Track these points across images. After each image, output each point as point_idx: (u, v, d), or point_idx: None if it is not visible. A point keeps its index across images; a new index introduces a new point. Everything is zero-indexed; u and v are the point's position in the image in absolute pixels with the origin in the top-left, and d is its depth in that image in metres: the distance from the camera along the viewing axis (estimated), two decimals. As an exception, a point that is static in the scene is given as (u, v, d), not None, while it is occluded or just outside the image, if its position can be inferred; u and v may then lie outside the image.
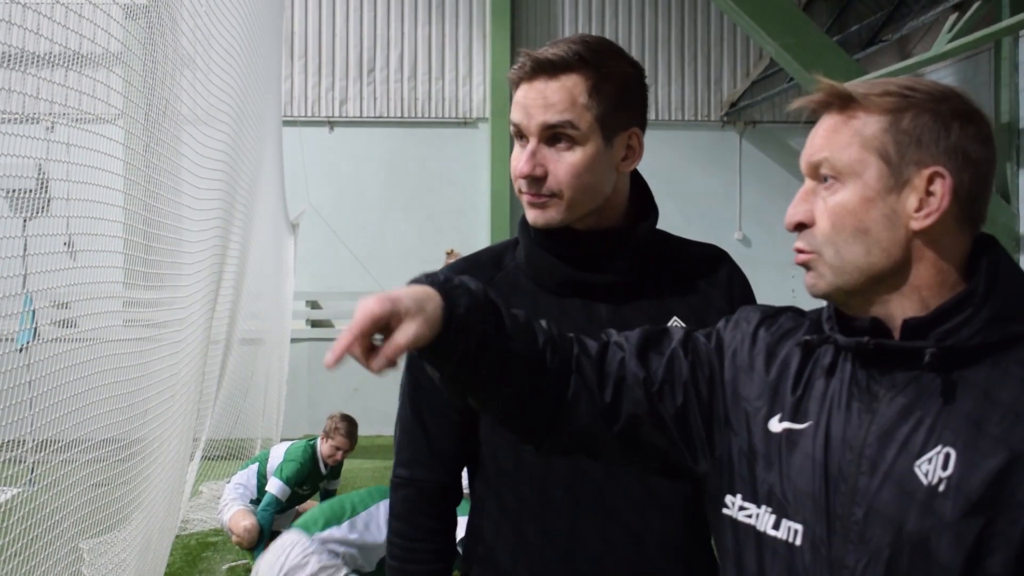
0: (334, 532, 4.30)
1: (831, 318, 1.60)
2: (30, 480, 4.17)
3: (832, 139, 1.52)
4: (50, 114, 3.83)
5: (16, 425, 3.74)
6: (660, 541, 1.98)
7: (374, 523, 4.38)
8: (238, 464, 8.34)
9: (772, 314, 1.72)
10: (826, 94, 1.53)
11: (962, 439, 1.41)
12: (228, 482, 8.03)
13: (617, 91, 1.99)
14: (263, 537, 7.22)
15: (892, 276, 1.51)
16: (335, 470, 7.74)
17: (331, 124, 14.72)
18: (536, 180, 1.98)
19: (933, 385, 1.47)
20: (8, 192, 3.88)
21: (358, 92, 14.76)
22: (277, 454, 7.62)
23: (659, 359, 1.67)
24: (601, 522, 2.00)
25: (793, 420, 1.60)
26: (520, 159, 1.98)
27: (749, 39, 13.77)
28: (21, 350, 4.24)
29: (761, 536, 1.59)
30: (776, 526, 1.57)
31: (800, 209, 1.54)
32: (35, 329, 4.60)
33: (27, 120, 3.55)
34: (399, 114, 14.78)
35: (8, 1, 3.12)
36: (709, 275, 2.11)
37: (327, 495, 7.81)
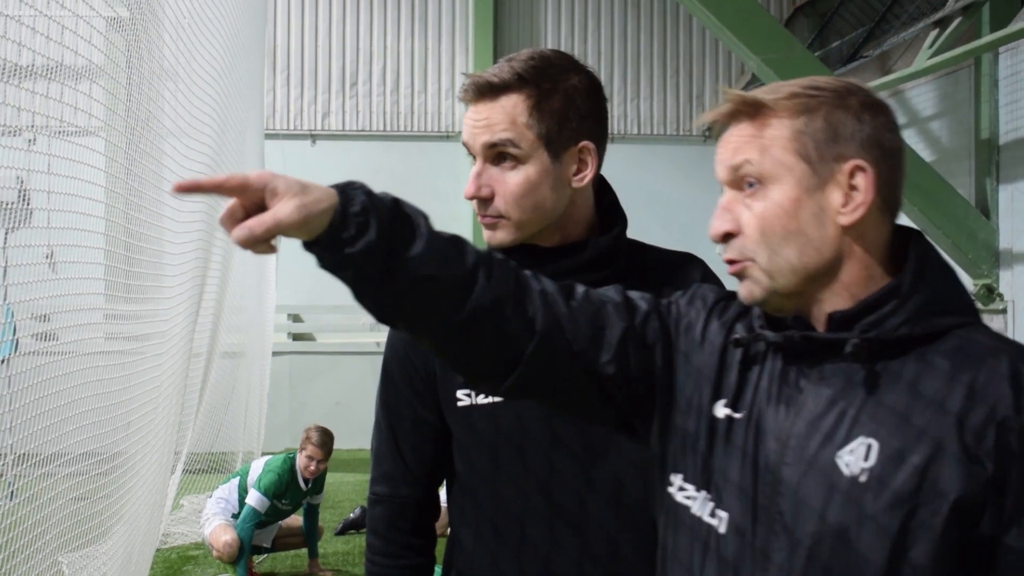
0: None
1: (761, 315, 1.60)
2: (9, 494, 4.15)
3: (750, 144, 1.52)
4: (32, 126, 3.82)
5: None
6: (636, 545, 1.97)
7: None
8: (220, 478, 8.33)
9: (726, 296, 1.71)
10: (736, 104, 1.52)
11: (885, 430, 1.42)
12: (210, 496, 8.01)
13: (563, 106, 1.98)
14: (244, 551, 7.21)
15: (825, 274, 1.51)
16: (318, 484, 7.72)
17: (313, 137, 14.74)
18: (483, 201, 1.99)
19: (857, 377, 1.48)
20: (-13, 204, 3.87)
21: (340, 105, 14.78)
22: (257, 467, 7.59)
23: (638, 315, 1.66)
24: (578, 528, 2.00)
25: (734, 408, 1.60)
26: (469, 181, 2.00)
27: (731, 54, 13.80)
28: (1, 363, 4.23)
29: (695, 520, 1.59)
30: (712, 513, 1.57)
31: (725, 219, 1.53)
32: (15, 342, 4.58)
33: (8, 132, 3.55)
34: (382, 128, 14.80)
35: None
36: (683, 281, 2.05)
37: (311, 510, 7.81)
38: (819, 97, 1.50)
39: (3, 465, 3.78)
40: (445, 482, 2.17)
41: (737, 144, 1.53)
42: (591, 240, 2.05)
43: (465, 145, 2.01)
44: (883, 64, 11.62)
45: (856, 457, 1.42)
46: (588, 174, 2.04)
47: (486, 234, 2.03)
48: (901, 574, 1.40)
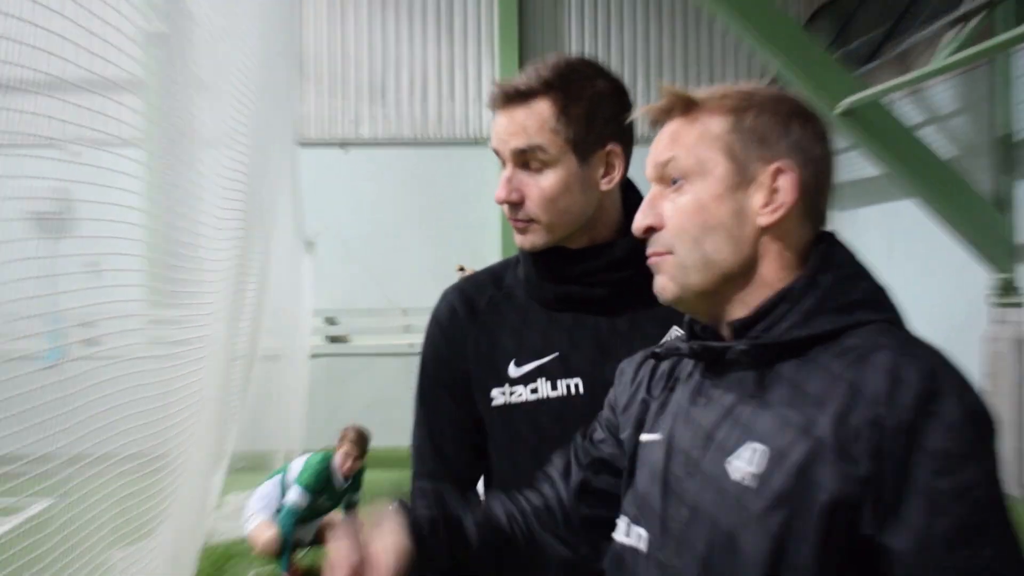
0: None
1: (686, 328, 1.60)
2: (62, 493, 4.18)
3: (678, 141, 1.51)
4: (74, 138, 3.85)
5: (47, 442, 3.76)
6: None
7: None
8: (261, 476, 8.36)
9: (659, 346, 1.70)
10: (670, 99, 1.52)
11: (770, 434, 1.40)
12: (252, 494, 8.07)
13: (589, 111, 1.99)
14: (285, 546, 7.25)
15: (740, 274, 1.49)
16: (356, 482, 7.76)
17: (345, 146, 14.76)
18: (513, 205, 2.01)
19: (750, 383, 1.46)
20: (35, 215, 3.89)
21: (371, 114, 14.81)
22: (297, 465, 7.66)
23: (580, 466, 1.77)
24: None
25: (652, 431, 1.60)
26: (500, 186, 2.01)
27: (753, 55, 13.76)
28: (50, 368, 4.26)
29: (618, 544, 1.59)
30: (628, 533, 1.57)
31: (649, 213, 1.52)
32: (63, 348, 4.63)
33: (50, 144, 3.57)
34: (411, 135, 14.83)
35: (33, 26, 3.14)
36: None
37: (351, 507, 7.85)
38: (750, 100, 1.50)
39: (55, 465, 3.80)
40: (483, 478, 2.18)
41: (668, 138, 1.53)
42: (618, 242, 2.04)
43: (495, 151, 2.02)
44: (902, 63, 11.55)
45: (743, 462, 1.41)
46: (616, 176, 2.05)
47: (517, 238, 2.04)
48: (782, 575, 1.37)
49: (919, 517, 1.30)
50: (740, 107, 1.49)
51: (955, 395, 1.32)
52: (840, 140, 9.85)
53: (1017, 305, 10.27)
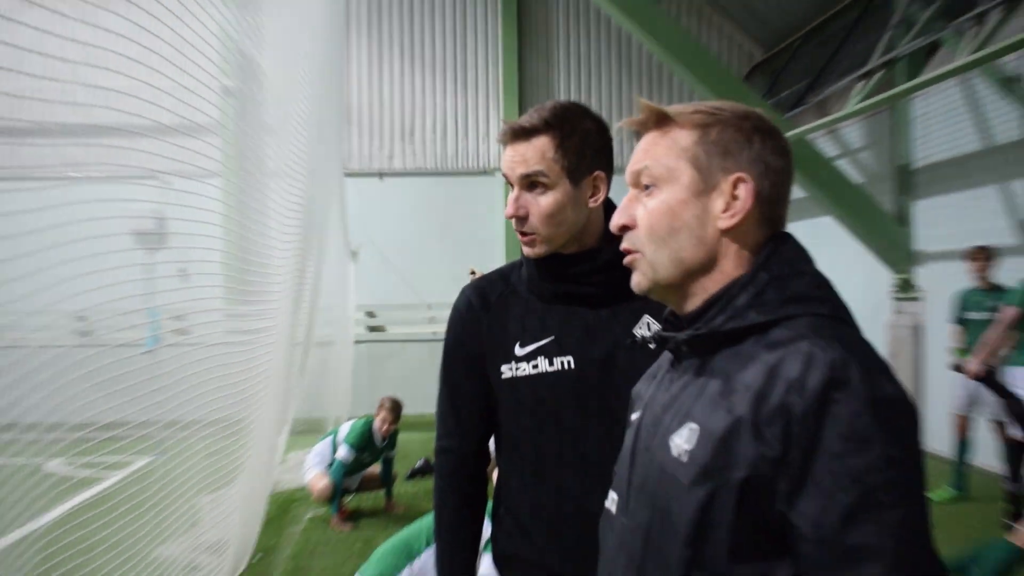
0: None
1: (661, 319, 1.53)
2: (160, 451, 4.20)
3: (651, 151, 1.44)
4: (168, 170, 3.86)
5: (147, 411, 3.77)
6: None
7: (429, 569, 4.31)
8: (316, 437, 8.36)
9: (637, 336, 1.67)
10: (646, 113, 1.46)
11: (704, 415, 1.31)
12: (309, 451, 8.10)
13: (579, 145, 2.01)
14: (336, 493, 7.28)
15: (702, 271, 1.41)
16: (391, 441, 7.77)
17: (381, 175, 14.76)
18: (520, 219, 2.02)
19: (693, 370, 1.40)
20: (137, 232, 3.90)
21: (402, 150, 14.80)
22: (345, 429, 7.67)
23: None
24: (603, 476, 1.96)
25: (634, 411, 1.56)
26: (508, 204, 2.04)
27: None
28: (149, 352, 4.27)
29: (605, 511, 1.54)
30: (609, 496, 1.53)
31: (624, 214, 1.46)
32: (159, 337, 4.64)
33: (148, 175, 3.59)
34: (433, 166, 14.81)
35: (139, 82, 3.16)
36: None
37: (387, 461, 7.86)
38: (717, 116, 1.42)
39: (154, 429, 3.82)
40: (494, 436, 2.19)
41: (643, 149, 1.46)
42: (603, 248, 2.05)
43: (505, 176, 2.03)
44: (822, 109, 11.56)
45: (681, 439, 1.33)
46: (600, 196, 2.06)
47: (525, 249, 2.06)
48: (703, 547, 1.28)
49: (817, 498, 1.19)
50: (707, 122, 1.42)
51: (861, 384, 1.20)
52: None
53: (914, 299, 10.30)
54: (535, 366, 2.04)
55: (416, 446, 10.02)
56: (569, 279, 2.07)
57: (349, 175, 13.19)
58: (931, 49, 9.68)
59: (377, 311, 14.57)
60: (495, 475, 2.24)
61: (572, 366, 2.02)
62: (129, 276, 3.51)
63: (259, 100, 5.52)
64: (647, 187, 1.44)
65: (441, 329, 13.35)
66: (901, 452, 1.19)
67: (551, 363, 2.03)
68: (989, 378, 6.84)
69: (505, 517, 2.15)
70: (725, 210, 1.39)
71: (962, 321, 7.79)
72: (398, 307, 14.55)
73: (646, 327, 2.01)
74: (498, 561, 2.18)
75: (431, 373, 13.40)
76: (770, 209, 1.41)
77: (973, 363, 6.94)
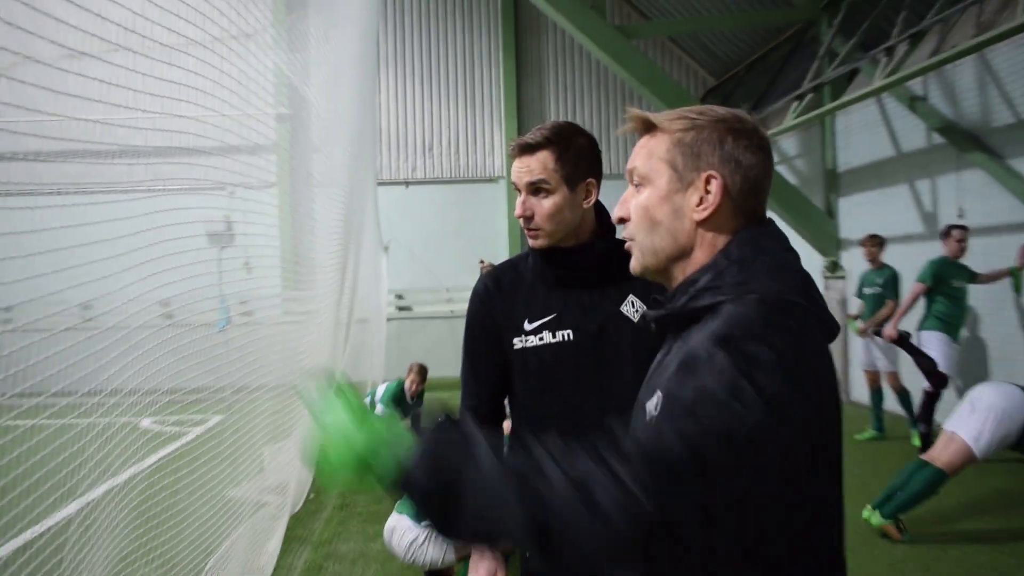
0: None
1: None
2: (231, 411, 4.22)
3: (639, 154, 1.38)
4: (234, 182, 3.87)
5: (220, 378, 3.79)
6: None
7: None
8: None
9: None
10: (634, 122, 1.39)
11: (665, 383, 1.25)
12: (351, 408, 8.09)
13: (575, 157, 2.02)
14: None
15: (681, 258, 1.34)
16: (419, 399, 7.78)
17: (407, 184, 14.73)
18: (527, 219, 2.05)
19: (674, 344, 1.34)
20: (209, 232, 3.91)
21: (423, 163, 14.77)
22: (381, 390, 7.67)
23: None
24: (596, 432, 2.01)
25: None
26: (517, 206, 2.05)
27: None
28: (221, 332, 4.27)
29: None
30: None
31: (622, 208, 1.40)
32: (229, 319, 4.64)
33: (218, 187, 3.59)
34: (449, 176, 14.78)
35: (209, 110, 3.16)
36: None
37: (415, 417, 7.86)
38: (696, 121, 1.34)
39: (226, 395, 3.83)
40: (508, 397, 2.19)
41: (636, 151, 1.40)
42: (596, 242, 2.08)
43: (514, 184, 2.05)
44: (765, 125, 11.53)
45: (651, 407, 1.26)
46: (592, 199, 2.07)
47: (531, 242, 2.07)
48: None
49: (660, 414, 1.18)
50: (684, 127, 1.34)
51: (737, 340, 1.16)
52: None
53: (840, 278, 10.31)
54: (541, 338, 2.05)
55: (437, 404, 10.03)
56: (568, 267, 2.08)
57: (380, 184, 13.20)
58: (851, 75, 9.66)
59: (404, 294, 14.57)
60: (507, 428, 2.25)
61: (571, 338, 2.03)
62: (203, 270, 3.51)
63: (307, 124, 5.53)
64: (637, 185, 1.39)
65: (457, 308, 13.38)
66: (726, 395, 1.12)
67: (554, 336, 2.04)
68: (902, 341, 6.86)
69: None
70: (699, 204, 1.32)
71: (860, 295, 7.95)
72: (422, 291, 14.53)
73: (631, 304, 2.03)
74: None
75: (449, 344, 13.60)
76: (744, 202, 1.33)
77: (888, 327, 6.97)
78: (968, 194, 8.01)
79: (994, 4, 7.53)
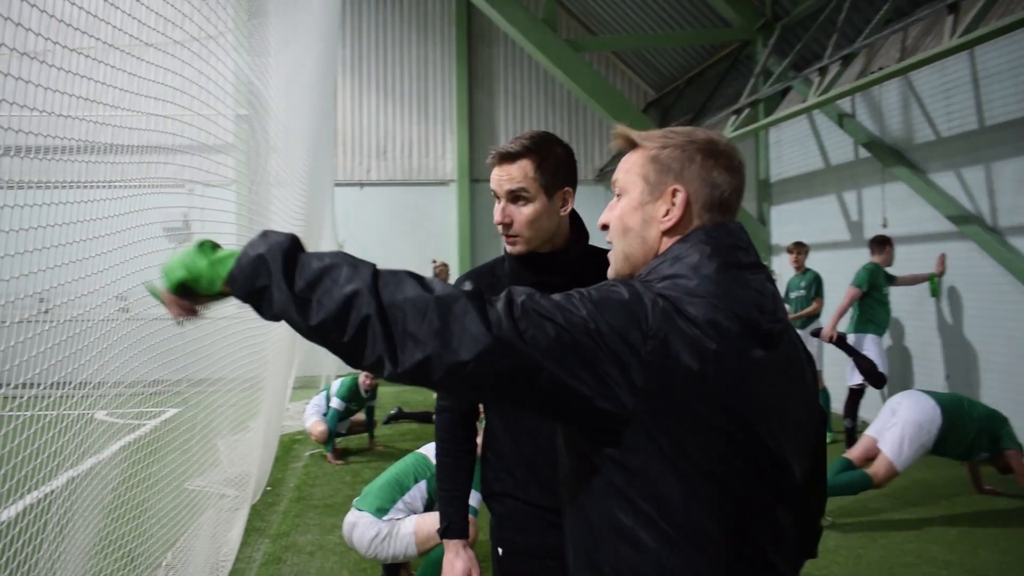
0: (393, 513, 4.14)
1: None
2: (185, 405, 4.13)
3: (621, 167, 1.43)
4: (192, 180, 3.79)
5: (176, 372, 3.71)
6: None
7: (418, 500, 4.22)
8: (313, 392, 8.28)
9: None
10: (620, 138, 1.44)
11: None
12: (307, 402, 8.01)
13: (554, 166, 2.00)
14: (331, 436, 7.21)
15: (646, 263, 1.39)
16: (373, 394, 7.70)
17: (361, 185, 14.60)
18: (506, 225, 2.01)
19: None
20: (167, 229, 3.82)
21: (377, 165, 14.67)
22: (336, 384, 7.57)
23: None
24: None
25: None
26: (496, 213, 2.01)
27: (609, 130, 13.86)
28: (179, 325, 4.18)
29: None
30: None
31: (606, 215, 1.45)
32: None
33: (177, 185, 3.52)
34: (402, 178, 14.69)
35: (164, 108, 3.08)
36: (606, 265, 2.13)
37: (369, 410, 7.79)
38: (671, 140, 1.39)
39: (182, 388, 3.75)
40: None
41: (619, 165, 1.44)
42: (570, 247, 2.07)
43: (493, 191, 2.01)
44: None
45: None
46: (568, 207, 2.06)
47: (509, 248, 2.05)
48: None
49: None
50: (660, 145, 1.39)
51: (632, 286, 1.25)
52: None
53: (772, 282, 10.48)
54: None
55: (390, 398, 9.96)
56: (544, 271, 2.06)
57: (336, 185, 13.04)
58: (784, 91, 9.84)
59: (358, 292, 14.44)
60: (481, 428, 2.22)
61: None
62: (161, 263, 3.44)
63: (265, 125, 5.43)
64: (618, 195, 1.43)
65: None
66: (597, 314, 1.22)
67: None
68: (841, 342, 7.02)
69: (493, 460, 2.11)
70: (665, 215, 1.36)
71: (787, 299, 8.15)
72: (374, 289, 14.43)
73: None
74: (487, 497, 2.15)
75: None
76: (708, 216, 1.37)
77: (826, 329, 7.11)
78: (892, 205, 8.22)
79: (918, 30, 7.74)
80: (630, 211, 1.40)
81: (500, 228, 2.01)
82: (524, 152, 1.98)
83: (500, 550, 2.08)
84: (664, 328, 1.20)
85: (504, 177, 1.99)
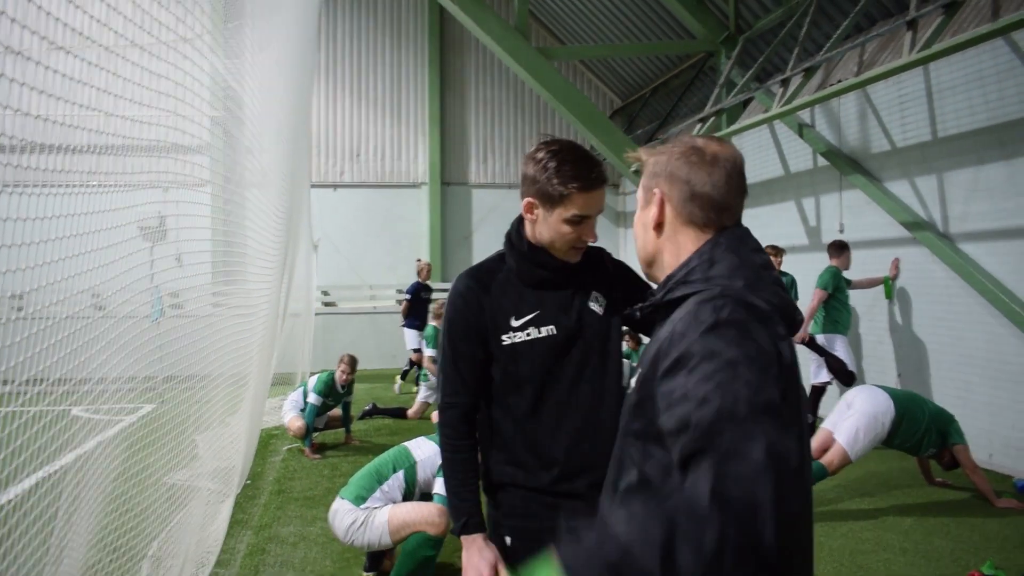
0: (371, 502, 4.14)
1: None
2: (161, 401, 4.06)
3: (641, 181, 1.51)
4: (168, 181, 3.73)
5: (150, 367, 3.64)
6: (614, 421, 1.85)
7: (396, 489, 4.22)
8: (290, 388, 8.23)
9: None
10: (633, 159, 1.53)
11: (644, 366, 1.35)
12: (284, 398, 7.95)
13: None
14: (308, 431, 7.15)
15: (652, 263, 1.47)
16: (348, 389, 7.65)
17: (335, 187, 14.51)
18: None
19: (656, 328, 1.44)
20: (143, 229, 3.75)
21: (351, 167, 14.59)
22: (312, 380, 7.51)
23: None
24: (571, 417, 2.04)
25: None
26: (591, 232, 2.05)
27: (578, 135, 13.91)
28: (154, 323, 4.11)
29: None
30: None
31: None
32: (162, 310, 4.47)
33: (153, 185, 3.46)
34: (375, 180, 14.63)
35: (140, 109, 3.03)
36: (602, 263, 2.19)
37: (346, 405, 7.75)
38: (661, 150, 1.46)
39: (156, 383, 3.68)
40: (490, 393, 2.14)
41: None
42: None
43: (584, 215, 2.01)
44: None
45: (635, 380, 1.38)
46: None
47: (573, 257, 2.09)
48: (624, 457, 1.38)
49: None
50: (654, 155, 1.47)
51: (710, 320, 1.23)
52: (632, 186, 9.86)
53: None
54: (528, 334, 2.06)
55: (364, 394, 9.91)
56: (555, 270, 2.10)
57: (312, 186, 12.96)
58: (746, 101, 9.92)
59: (330, 290, 14.34)
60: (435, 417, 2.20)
61: (555, 332, 2.06)
62: (136, 262, 3.37)
63: (239, 126, 5.36)
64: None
65: (380, 304, 13.15)
66: (722, 376, 1.17)
67: (539, 331, 2.06)
68: (812, 344, 7.14)
69: (496, 454, 2.11)
70: (653, 217, 1.45)
71: None
72: (346, 288, 14.33)
73: (596, 300, 2.10)
74: (489, 489, 2.15)
75: (371, 339, 13.41)
76: (689, 212, 1.41)
77: (802, 332, 7.20)
78: (849, 211, 8.33)
79: (875, 46, 7.85)
80: (637, 218, 1.50)
81: (577, 243, 2.04)
82: (605, 179, 2.06)
83: (508, 539, 2.09)
84: (775, 347, 1.22)
85: (600, 199, 2.03)
